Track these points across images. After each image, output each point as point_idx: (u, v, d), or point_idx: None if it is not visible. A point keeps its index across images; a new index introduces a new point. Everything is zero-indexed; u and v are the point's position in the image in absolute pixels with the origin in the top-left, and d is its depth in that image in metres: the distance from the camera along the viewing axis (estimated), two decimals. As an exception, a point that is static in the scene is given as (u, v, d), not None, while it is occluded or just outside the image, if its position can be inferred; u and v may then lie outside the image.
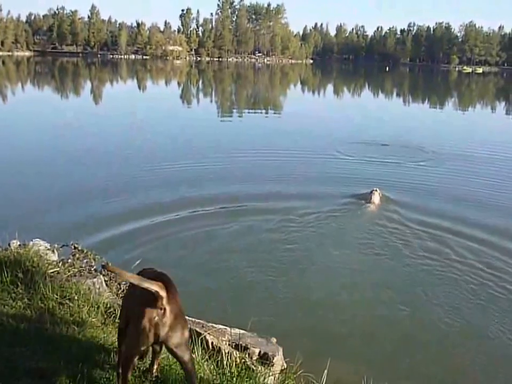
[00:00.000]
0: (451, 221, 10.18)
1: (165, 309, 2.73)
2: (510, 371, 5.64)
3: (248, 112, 31.49)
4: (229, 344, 4.36)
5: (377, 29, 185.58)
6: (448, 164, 15.83)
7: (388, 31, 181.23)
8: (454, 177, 14.21)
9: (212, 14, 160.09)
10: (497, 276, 7.82)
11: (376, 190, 11.61)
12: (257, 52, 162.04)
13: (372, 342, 5.99)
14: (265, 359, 4.34)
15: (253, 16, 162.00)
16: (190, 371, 2.97)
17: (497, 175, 14.67)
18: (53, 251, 4.93)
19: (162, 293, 2.70)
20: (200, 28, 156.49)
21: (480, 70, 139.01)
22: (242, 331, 4.52)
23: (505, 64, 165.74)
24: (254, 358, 4.32)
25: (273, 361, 4.33)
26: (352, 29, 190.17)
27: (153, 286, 2.68)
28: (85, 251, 4.75)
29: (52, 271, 4.49)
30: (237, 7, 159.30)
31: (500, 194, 12.72)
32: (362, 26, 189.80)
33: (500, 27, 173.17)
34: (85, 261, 4.74)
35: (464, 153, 17.48)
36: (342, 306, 6.80)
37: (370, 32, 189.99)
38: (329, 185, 12.82)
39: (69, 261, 4.66)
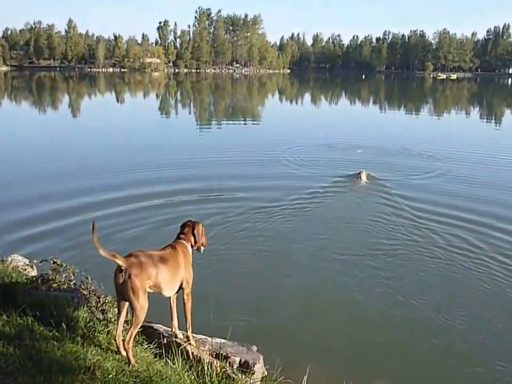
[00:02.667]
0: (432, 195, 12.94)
1: (125, 274, 3.68)
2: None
3: (227, 123, 31.72)
4: (209, 354, 4.39)
5: (353, 37, 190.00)
6: (419, 159, 18.16)
7: (363, 39, 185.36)
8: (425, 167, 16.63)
9: (189, 25, 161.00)
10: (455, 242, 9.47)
11: (362, 171, 14.58)
12: (235, 63, 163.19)
13: (352, 346, 6.06)
14: (246, 367, 4.37)
15: (230, 27, 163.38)
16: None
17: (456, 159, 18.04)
18: (32, 266, 4.90)
19: (121, 263, 3.67)
20: (178, 40, 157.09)
21: (454, 76, 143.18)
22: (223, 340, 4.56)
23: (479, 70, 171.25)
24: (235, 366, 4.36)
25: (254, 369, 4.37)
26: (329, 38, 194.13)
27: (116, 259, 3.66)
28: (64, 266, 4.73)
29: (30, 286, 4.47)
30: (214, 18, 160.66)
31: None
32: (339, 35, 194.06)
33: (472, 34, 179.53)
34: (64, 275, 4.72)
35: (436, 151, 19.40)
36: (322, 310, 6.86)
37: (346, 41, 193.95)
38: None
39: (48, 276, 4.64)
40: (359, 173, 14.48)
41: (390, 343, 6.15)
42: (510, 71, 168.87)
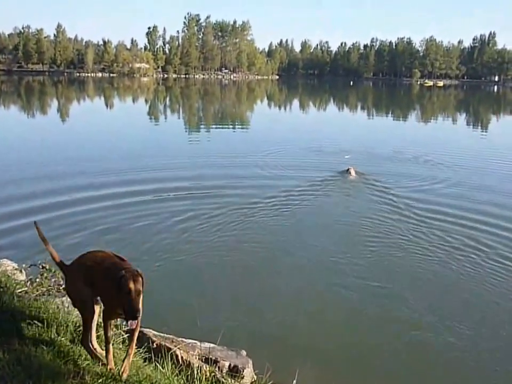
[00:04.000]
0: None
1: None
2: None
3: (216, 127, 31.82)
4: (199, 358, 4.41)
5: (341, 44, 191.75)
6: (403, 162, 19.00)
7: (351, 46, 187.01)
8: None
9: (178, 31, 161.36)
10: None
11: (351, 167, 16.06)
12: (223, 69, 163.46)
13: (342, 349, 6.10)
14: (235, 371, 4.40)
15: (219, 33, 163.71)
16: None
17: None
18: (21, 271, 4.88)
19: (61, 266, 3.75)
20: (167, 45, 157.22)
21: (441, 84, 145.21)
22: (212, 345, 4.59)
23: (465, 77, 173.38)
24: (224, 371, 4.39)
25: (243, 373, 4.40)
26: (317, 45, 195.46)
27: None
28: (53, 270, 4.72)
29: (19, 291, 4.44)
30: (203, 24, 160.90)
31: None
32: (327, 42, 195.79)
33: (459, 41, 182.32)
34: (53, 280, 4.71)
35: (424, 154, 20.27)
36: (312, 312, 6.91)
37: (334, 47, 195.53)
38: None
39: (37, 280, 4.62)
40: (348, 169, 15.91)
41: (381, 345, 6.20)
42: (496, 79, 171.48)
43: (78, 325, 4.28)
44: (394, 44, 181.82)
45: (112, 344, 4.09)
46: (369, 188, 14.33)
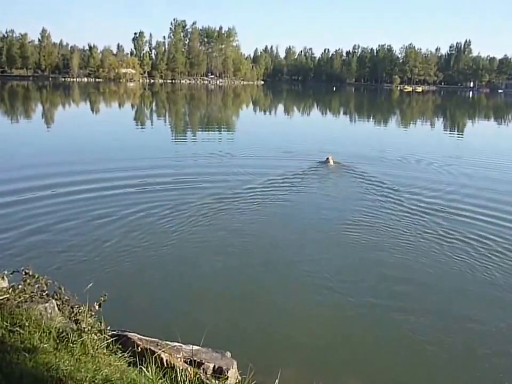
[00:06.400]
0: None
1: None
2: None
3: (202, 131, 31.93)
4: (184, 361, 4.43)
5: (325, 51, 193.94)
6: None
7: (334, 53, 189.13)
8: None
9: (164, 37, 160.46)
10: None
11: (329, 156, 17.80)
12: (209, 74, 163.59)
13: (324, 349, 6.15)
14: (219, 373, 4.43)
15: (205, 39, 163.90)
16: None
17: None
18: (3, 277, 4.82)
19: None
20: (153, 51, 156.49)
21: (419, 89, 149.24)
22: (196, 347, 4.61)
23: (442, 83, 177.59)
24: (209, 372, 4.41)
25: (228, 374, 4.43)
26: (301, 51, 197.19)
27: None
28: (36, 276, 4.68)
29: (1, 298, 4.40)
30: (189, 30, 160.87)
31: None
32: (310, 49, 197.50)
33: (436, 49, 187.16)
34: (36, 286, 4.66)
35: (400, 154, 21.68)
36: (296, 313, 6.96)
37: (318, 54, 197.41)
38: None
39: (20, 287, 4.58)
40: (327, 158, 17.60)
41: (363, 345, 6.26)
42: (471, 85, 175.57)
43: (61, 331, 4.26)
44: (375, 51, 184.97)
45: (97, 349, 4.10)
46: (349, 175, 16.41)
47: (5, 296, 4.44)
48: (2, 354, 3.72)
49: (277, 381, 3.94)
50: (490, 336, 6.41)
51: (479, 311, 7.07)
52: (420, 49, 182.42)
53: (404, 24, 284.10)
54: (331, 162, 17.34)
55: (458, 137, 34.81)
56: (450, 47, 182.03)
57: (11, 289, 4.56)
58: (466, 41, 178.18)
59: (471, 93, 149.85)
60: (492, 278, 8.09)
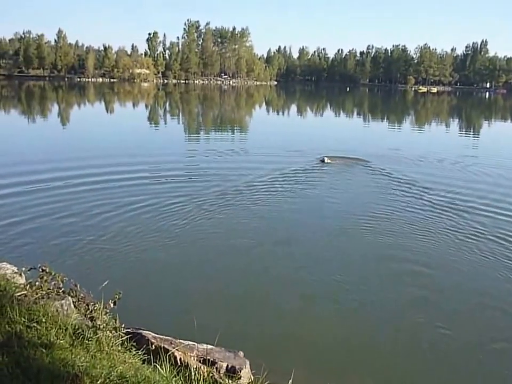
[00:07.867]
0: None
1: None
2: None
3: (215, 132, 32.06)
4: (197, 360, 4.46)
5: (338, 51, 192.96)
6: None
7: (348, 53, 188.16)
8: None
9: (178, 37, 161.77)
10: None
11: (325, 156, 19.17)
12: (223, 74, 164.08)
13: (338, 349, 6.12)
14: (232, 372, 4.45)
15: (219, 40, 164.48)
16: None
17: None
18: (20, 274, 4.91)
19: None
20: (167, 51, 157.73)
21: (434, 90, 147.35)
22: (210, 346, 4.63)
23: (458, 84, 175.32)
24: (222, 372, 4.44)
25: (241, 374, 4.45)
26: (314, 52, 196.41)
27: None
28: (53, 273, 4.75)
29: (19, 294, 4.47)
30: (203, 30, 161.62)
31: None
32: (324, 49, 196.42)
33: (452, 49, 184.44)
34: (52, 283, 4.74)
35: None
36: (310, 313, 6.93)
37: (331, 54, 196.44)
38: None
39: (37, 283, 4.66)
40: (323, 159, 18.75)
41: (378, 346, 6.22)
42: (488, 85, 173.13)
43: (77, 327, 4.31)
44: (389, 51, 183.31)
45: (112, 347, 4.14)
46: (345, 173, 17.11)
47: (23, 292, 4.52)
48: (20, 349, 3.78)
49: (290, 381, 3.93)
50: (501, 338, 6.34)
51: (493, 312, 7.00)
52: (435, 49, 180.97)
53: (420, 24, 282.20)
54: (327, 161, 18.60)
55: (474, 138, 34.38)
56: (466, 47, 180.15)
57: (28, 285, 4.64)
58: (482, 41, 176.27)
59: (487, 93, 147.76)
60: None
